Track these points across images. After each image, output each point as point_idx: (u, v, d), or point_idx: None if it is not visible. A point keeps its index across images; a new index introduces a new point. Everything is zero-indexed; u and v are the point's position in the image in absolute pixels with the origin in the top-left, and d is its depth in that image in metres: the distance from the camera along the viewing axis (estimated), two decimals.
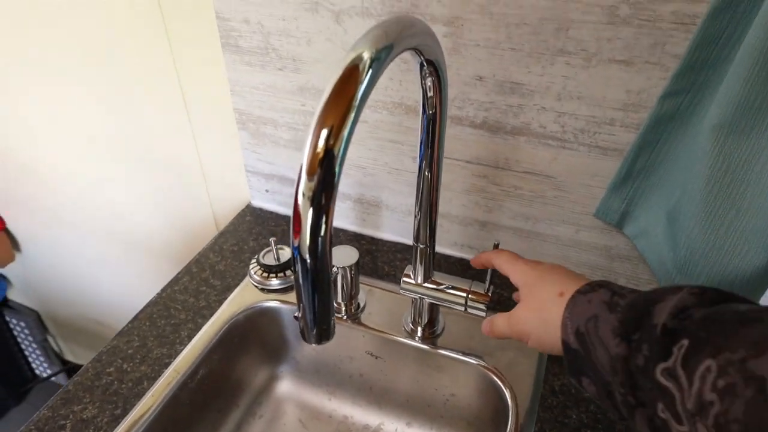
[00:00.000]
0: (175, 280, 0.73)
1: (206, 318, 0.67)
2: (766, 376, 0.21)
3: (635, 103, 0.56)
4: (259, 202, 0.88)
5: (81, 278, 1.29)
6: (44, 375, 1.63)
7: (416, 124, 0.67)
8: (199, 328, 0.66)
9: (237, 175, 0.85)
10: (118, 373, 0.61)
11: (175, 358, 0.62)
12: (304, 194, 0.29)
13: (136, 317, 0.68)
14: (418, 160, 0.49)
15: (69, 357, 1.65)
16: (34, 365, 1.62)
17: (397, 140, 0.69)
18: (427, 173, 0.50)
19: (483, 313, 0.58)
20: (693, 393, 0.25)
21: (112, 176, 0.99)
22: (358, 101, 0.30)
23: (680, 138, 0.54)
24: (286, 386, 0.74)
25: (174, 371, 0.61)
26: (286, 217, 0.85)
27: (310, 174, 0.29)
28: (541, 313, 0.40)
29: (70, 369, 1.64)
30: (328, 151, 0.29)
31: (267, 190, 0.85)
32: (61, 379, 1.66)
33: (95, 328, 1.42)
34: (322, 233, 0.30)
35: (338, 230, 0.83)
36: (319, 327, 0.34)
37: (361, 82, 0.30)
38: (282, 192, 0.84)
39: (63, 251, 1.25)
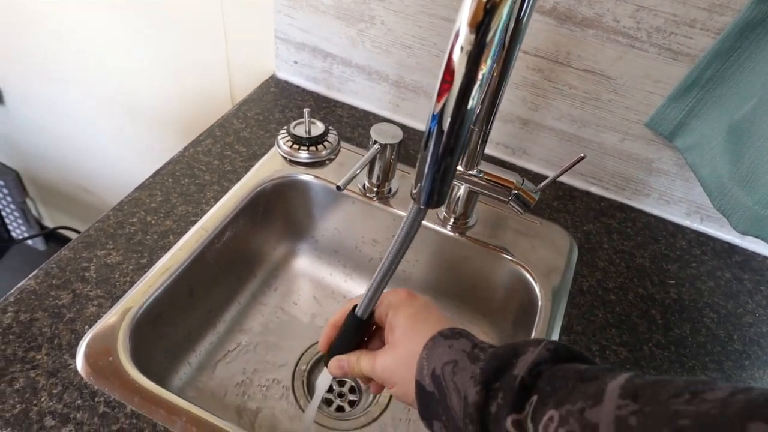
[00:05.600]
0: (197, 141, 0.69)
1: (232, 182, 0.64)
2: (599, 423, 0.25)
3: (723, 4, 0.53)
4: (284, 74, 0.82)
5: (71, 141, 1.22)
6: (21, 237, 1.59)
7: None
8: (225, 191, 0.63)
9: (264, 41, 0.79)
10: (142, 225, 0.58)
11: (201, 217, 0.60)
12: (462, 48, 0.26)
13: (157, 172, 0.64)
14: None
15: (47, 223, 1.60)
16: (11, 228, 1.57)
17: (454, 18, 0.65)
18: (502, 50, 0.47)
19: (522, 211, 0.57)
20: None
21: (119, 33, 0.91)
22: None
23: (763, 46, 0.52)
24: (303, 263, 0.74)
25: (202, 229, 0.58)
26: (313, 93, 0.81)
27: (473, 26, 0.26)
28: (410, 367, 0.36)
29: (48, 234, 1.60)
30: (497, 2, 0.25)
31: (295, 62, 0.79)
32: (38, 243, 1.62)
33: (81, 195, 1.37)
34: (473, 92, 0.28)
35: (368, 113, 0.79)
36: (440, 192, 0.33)
37: None
38: (312, 66, 0.78)
39: (54, 110, 1.17)
